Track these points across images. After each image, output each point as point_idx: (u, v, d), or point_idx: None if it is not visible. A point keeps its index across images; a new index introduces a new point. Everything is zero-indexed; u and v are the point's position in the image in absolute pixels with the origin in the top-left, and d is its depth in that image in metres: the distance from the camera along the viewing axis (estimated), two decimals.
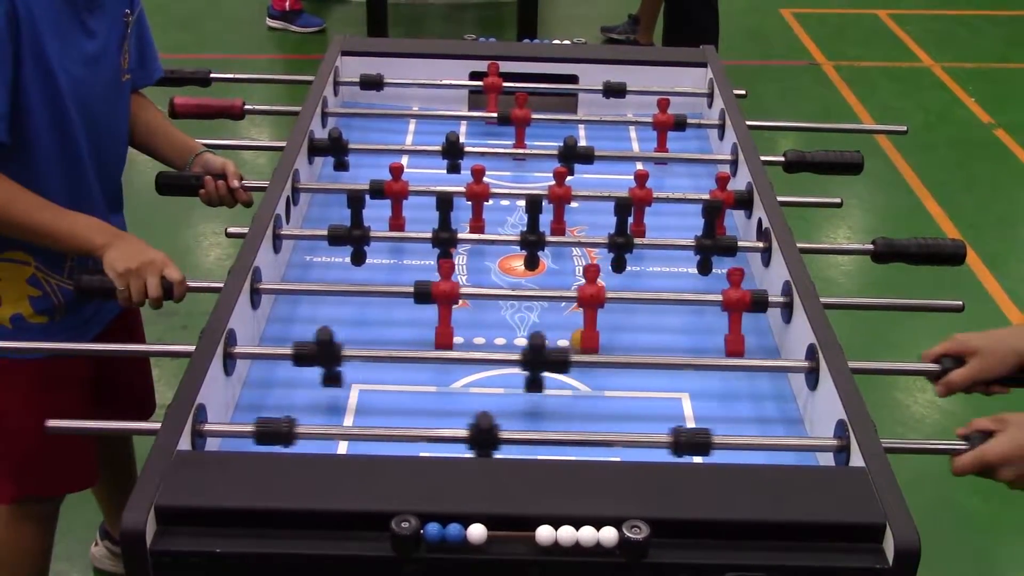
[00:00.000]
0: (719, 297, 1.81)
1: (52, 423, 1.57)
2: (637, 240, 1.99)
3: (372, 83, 2.59)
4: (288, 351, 1.65)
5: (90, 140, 1.96)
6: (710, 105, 2.62)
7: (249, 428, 1.50)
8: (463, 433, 1.50)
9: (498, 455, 1.50)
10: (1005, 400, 1.69)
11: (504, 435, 1.49)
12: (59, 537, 2.70)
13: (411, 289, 1.82)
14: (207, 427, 1.51)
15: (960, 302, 1.94)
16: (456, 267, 2.01)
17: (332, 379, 1.63)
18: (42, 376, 2.04)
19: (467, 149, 2.30)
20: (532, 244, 1.97)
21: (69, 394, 2.11)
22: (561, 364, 1.64)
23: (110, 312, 2.17)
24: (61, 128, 1.90)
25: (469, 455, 1.49)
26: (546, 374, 1.75)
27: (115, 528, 2.67)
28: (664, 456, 1.51)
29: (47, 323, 2.03)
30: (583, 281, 1.79)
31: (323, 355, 1.61)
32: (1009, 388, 1.68)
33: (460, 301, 1.81)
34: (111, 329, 2.18)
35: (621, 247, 1.97)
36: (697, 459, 1.53)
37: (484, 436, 1.48)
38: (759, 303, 1.80)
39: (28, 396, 2.06)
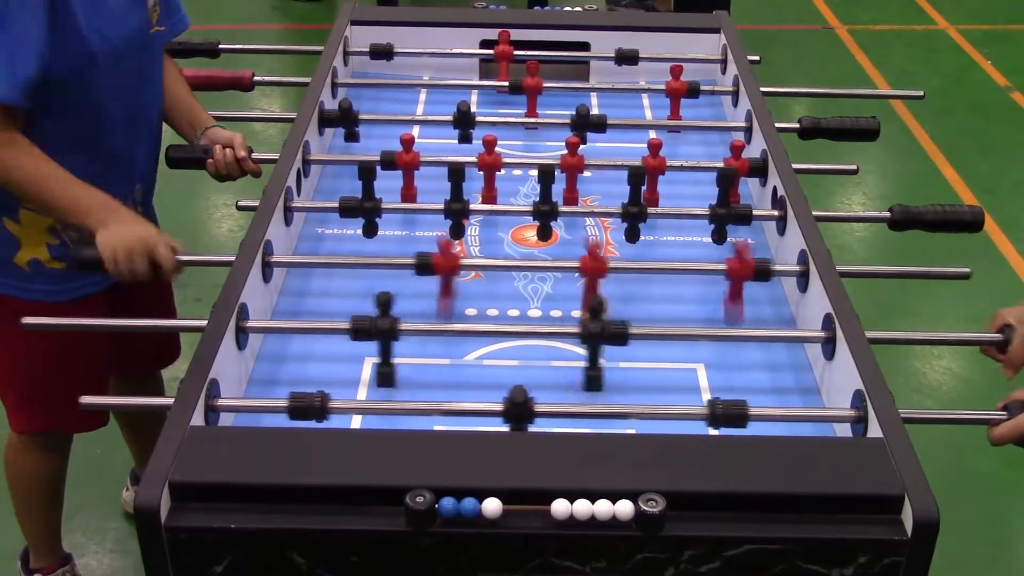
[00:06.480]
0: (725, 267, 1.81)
1: (85, 399, 1.59)
2: (651, 209, 1.97)
3: (382, 52, 2.57)
4: (307, 324, 1.66)
5: (120, 98, 1.96)
6: (724, 71, 2.59)
7: (266, 403, 1.50)
8: (498, 407, 1.48)
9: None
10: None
11: (538, 408, 1.48)
12: (74, 511, 2.71)
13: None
14: (220, 402, 1.50)
15: (967, 269, 1.91)
16: (468, 238, 2.00)
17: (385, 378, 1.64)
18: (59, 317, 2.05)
19: (478, 119, 2.28)
20: (545, 214, 1.95)
21: (86, 335, 2.12)
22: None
23: None
24: (87, 88, 1.89)
25: (484, 429, 1.48)
26: (561, 345, 1.75)
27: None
28: (679, 428, 1.50)
29: (64, 269, 2.05)
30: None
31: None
32: None
33: (474, 273, 1.79)
34: None
35: (635, 216, 1.95)
36: (712, 430, 1.52)
37: (519, 409, 1.47)
38: (762, 272, 1.79)
39: (44, 336, 2.08)
